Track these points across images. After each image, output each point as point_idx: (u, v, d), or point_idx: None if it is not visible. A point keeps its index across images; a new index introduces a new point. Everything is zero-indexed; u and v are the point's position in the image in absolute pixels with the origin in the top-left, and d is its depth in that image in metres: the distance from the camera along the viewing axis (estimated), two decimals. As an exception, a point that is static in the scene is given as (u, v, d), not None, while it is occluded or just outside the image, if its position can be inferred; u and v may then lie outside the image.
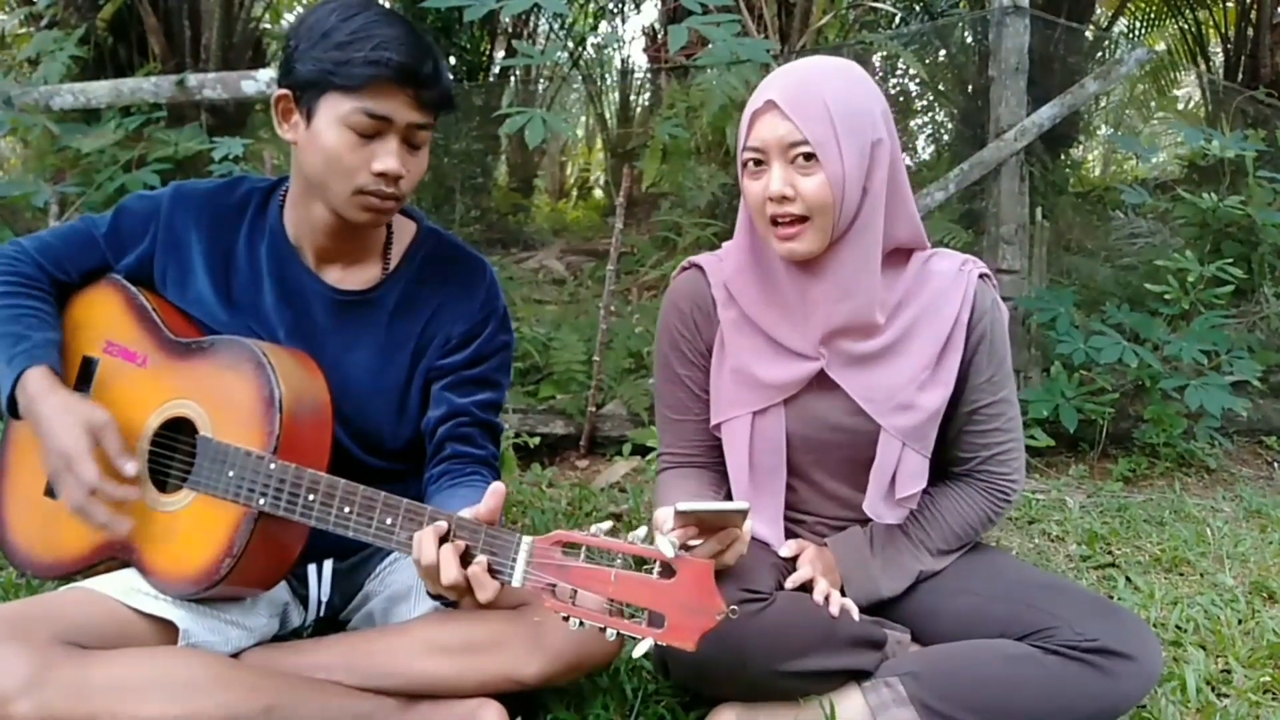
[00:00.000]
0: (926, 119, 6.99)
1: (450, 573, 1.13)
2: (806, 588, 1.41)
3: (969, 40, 5.89)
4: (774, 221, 1.33)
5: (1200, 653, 1.69)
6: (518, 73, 5.99)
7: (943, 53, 6.18)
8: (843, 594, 1.42)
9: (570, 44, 7.36)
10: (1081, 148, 7.83)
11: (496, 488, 1.18)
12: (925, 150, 6.77)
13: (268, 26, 5.49)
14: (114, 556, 1.35)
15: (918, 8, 7.39)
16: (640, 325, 3.49)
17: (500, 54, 7.05)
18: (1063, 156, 6.01)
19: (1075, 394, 2.93)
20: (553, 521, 2.29)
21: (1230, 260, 3.02)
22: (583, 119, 10.05)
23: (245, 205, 1.47)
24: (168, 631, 1.28)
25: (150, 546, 1.32)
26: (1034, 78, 3.29)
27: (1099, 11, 7.61)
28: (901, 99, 6.54)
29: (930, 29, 5.80)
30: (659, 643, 1.05)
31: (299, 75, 1.29)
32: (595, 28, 8.27)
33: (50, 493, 1.43)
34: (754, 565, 1.37)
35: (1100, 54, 6.26)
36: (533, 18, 6.95)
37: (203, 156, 3.00)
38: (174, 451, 1.36)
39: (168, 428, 1.36)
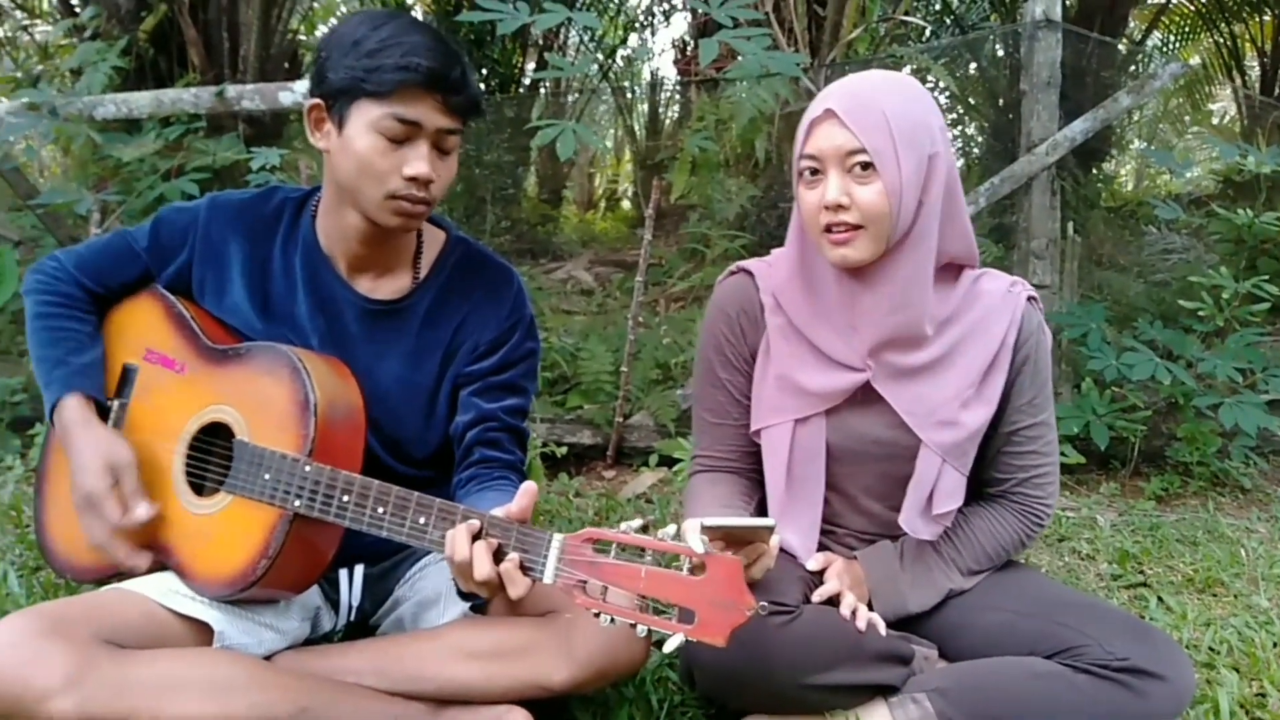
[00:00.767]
0: (956, 132, 6.96)
1: (483, 569, 1.14)
2: (834, 601, 1.40)
3: (1000, 54, 5.86)
4: (828, 229, 1.32)
5: (1234, 675, 1.67)
6: (548, 85, 6.04)
7: (973, 66, 6.16)
8: (870, 608, 1.42)
9: (600, 56, 7.41)
10: (1114, 162, 7.76)
11: (528, 487, 1.19)
12: (956, 163, 6.73)
13: (303, 38, 5.57)
14: (151, 559, 1.38)
15: (948, 21, 7.38)
16: (668, 336, 3.50)
17: (531, 66, 7.11)
18: (1095, 171, 5.96)
19: (1107, 411, 2.89)
20: (579, 530, 2.30)
21: (1266, 277, 2.98)
22: (611, 131, 10.11)
23: (279, 215, 1.50)
24: (203, 632, 1.30)
25: (187, 549, 1.34)
26: (1066, 92, 3.27)
27: (1132, 25, 7.55)
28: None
29: (961, 43, 5.79)
30: (689, 638, 1.05)
31: (331, 84, 1.32)
32: (625, 40, 8.33)
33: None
34: (781, 577, 1.37)
35: (1134, 68, 6.22)
36: (564, 31, 7.01)
37: (240, 166, 3.05)
38: (211, 456, 1.39)
39: (205, 432, 1.39)
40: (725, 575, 1.05)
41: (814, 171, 1.32)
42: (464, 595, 1.29)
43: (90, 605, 1.26)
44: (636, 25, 8.72)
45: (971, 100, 6.40)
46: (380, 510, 1.24)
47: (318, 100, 1.35)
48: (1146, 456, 3.03)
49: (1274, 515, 2.70)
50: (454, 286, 1.50)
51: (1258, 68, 7.61)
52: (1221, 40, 7.60)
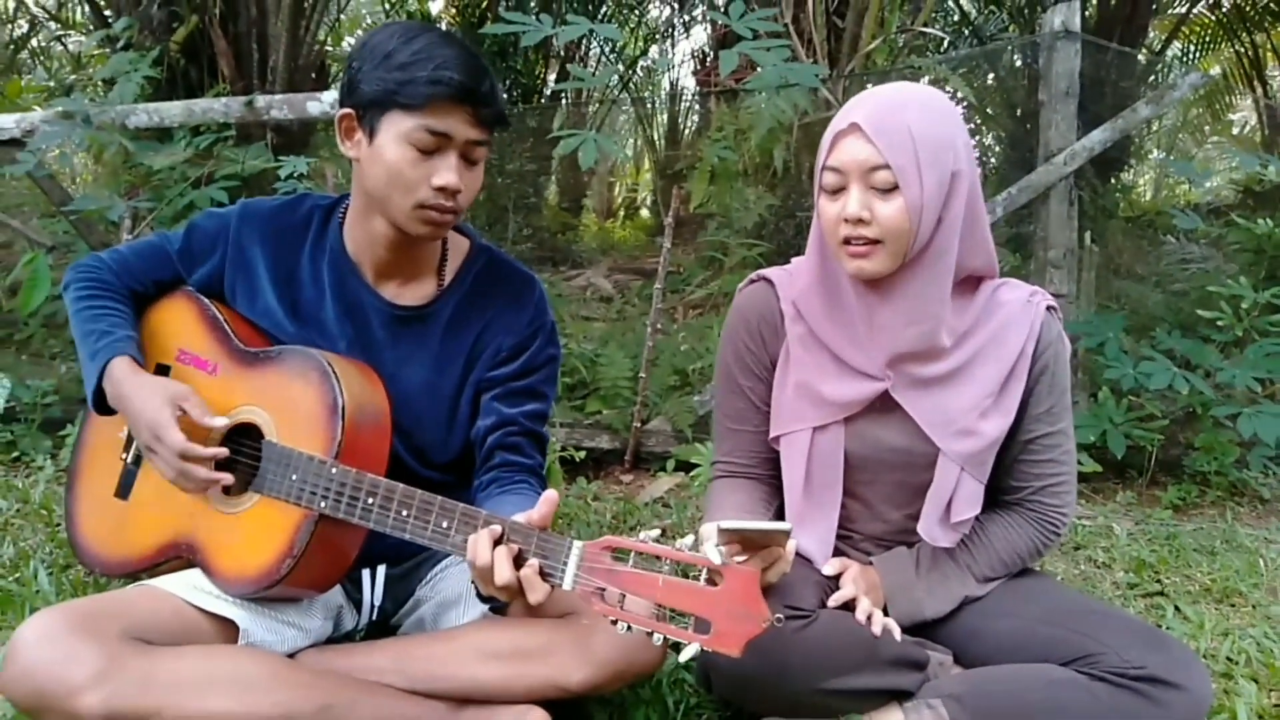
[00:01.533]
0: (974, 142, 6.94)
1: (504, 574, 1.16)
2: (849, 606, 1.41)
3: (1018, 64, 5.86)
4: (846, 241, 1.33)
5: (1252, 686, 1.67)
6: (569, 95, 6.09)
7: (991, 76, 6.15)
8: (886, 614, 1.43)
9: (621, 67, 7.46)
10: (1132, 172, 7.72)
11: (550, 495, 1.21)
12: (974, 173, 6.71)
13: (330, 49, 5.65)
14: (179, 556, 1.41)
15: (966, 32, 7.37)
16: (686, 343, 3.52)
17: (553, 77, 7.17)
18: (1113, 181, 5.93)
19: (1123, 420, 2.89)
20: (598, 535, 2.31)
21: (1286, 287, 2.97)
22: (631, 140, 10.15)
23: (308, 223, 1.53)
24: (228, 630, 1.33)
25: (214, 546, 1.37)
26: (1084, 102, 3.27)
27: (1152, 35, 7.52)
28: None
29: (979, 54, 5.79)
30: (705, 648, 1.07)
31: (363, 95, 1.35)
32: (646, 52, 8.38)
33: (120, 493, 1.50)
34: (797, 582, 1.38)
35: (1153, 78, 6.19)
36: (585, 42, 7.07)
37: (268, 174, 3.10)
38: (240, 455, 1.42)
39: (235, 433, 1.42)
40: (742, 586, 1.07)
41: (836, 184, 1.33)
42: (484, 598, 1.31)
43: (118, 602, 1.29)
44: (657, 37, 8.77)
45: (989, 110, 6.39)
46: (404, 513, 1.27)
47: (349, 110, 1.38)
48: (1164, 466, 3.02)
49: (1294, 526, 2.69)
50: (477, 293, 1.52)
51: (1279, 77, 7.55)
52: (1242, 50, 7.55)
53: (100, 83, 3.86)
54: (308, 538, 1.31)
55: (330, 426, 1.33)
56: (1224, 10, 7.44)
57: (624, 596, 1.11)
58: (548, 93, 6.81)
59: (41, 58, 7.25)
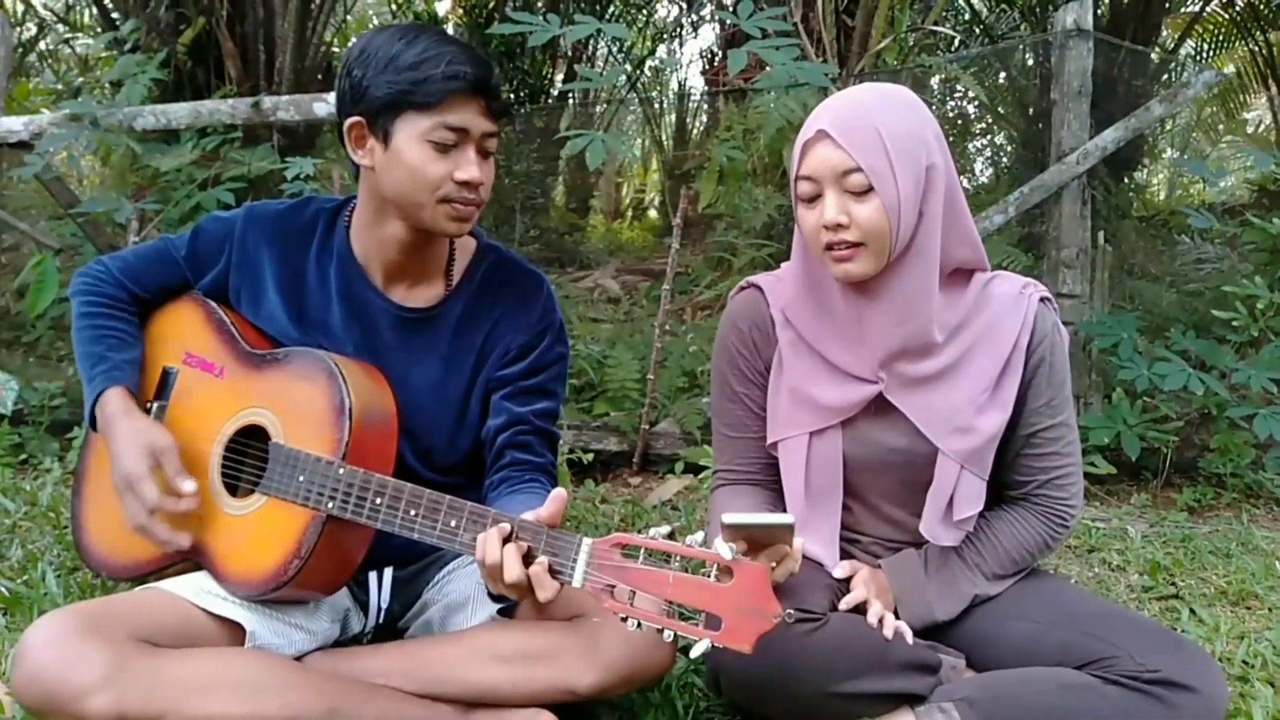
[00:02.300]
0: (985, 141, 6.93)
1: (514, 571, 1.16)
2: (860, 609, 1.40)
3: (1030, 63, 5.83)
4: (829, 247, 1.33)
5: (1269, 689, 1.64)
6: (576, 96, 6.10)
7: (1002, 75, 6.13)
8: (896, 616, 1.41)
9: (629, 67, 7.45)
10: (1146, 171, 7.68)
11: (559, 493, 1.21)
12: (984, 173, 6.70)
13: (337, 51, 5.66)
14: (185, 559, 1.40)
15: (978, 30, 7.34)
16: (694, 344, 3.51)
17: (560, 77, 7.17)
18: (1126, 180, 5.90)
19: (1138, 421, 2.86)
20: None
21: (1303, 287, 2.94)
22: (639, 141, 10.15)
23: (314, 226, 1.53)
24: (235, 632, 1.32)
25: (221, 549, 1.37)
26: (1097, 100, 3.25)
27: (1165, 33, 7.48)
28: (960, 122, 6.49)
29: (991, 52, 5.76)
30: (716, 644, 1.06)
31: (373, 100, 1.34)
32: (653, 52, 8.37)
33: (127, 496, 1.49)
34: (807, 585, 1.37)
35: (1166, 76, 6.15)
36: (592, 42, 7.06)
37: (274, 175, 3.10)
38: (247, 458, 1.42)
39: (242, 435, 1.42)
40: (752, 582, 1.06)
41: (811, 192, 1.33)
42: (494, 597, 1.31)
43: (126, 605, 1.29)
44: (665, 36, 8.76)
45: (1001, 109, 6.37)
46: (412, 513, 1.26)
47: (358, 118, 1.37)
48: (1178, 467, 2.99)
49: (1310, 529, 2.66)
50: (485, 293, 1.52)
51: (1294, 75, 7.50)
52: (1256, 48, 7.50)
53: (108, 85, 3.87)
54: (315, 539, 1.31)
55: (337, 427, 1.33)
56: (1237, 9, 7.39)
57: (634, 593, 1.10)
58: (555, 93, 6.81)
59: (49, 61, 7.29)
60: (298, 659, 1.37)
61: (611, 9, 7.30)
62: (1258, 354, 2.95)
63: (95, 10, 5.43)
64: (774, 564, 1.21)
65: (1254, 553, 2.41)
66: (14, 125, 3.12)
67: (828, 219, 1.30)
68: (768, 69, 2.58)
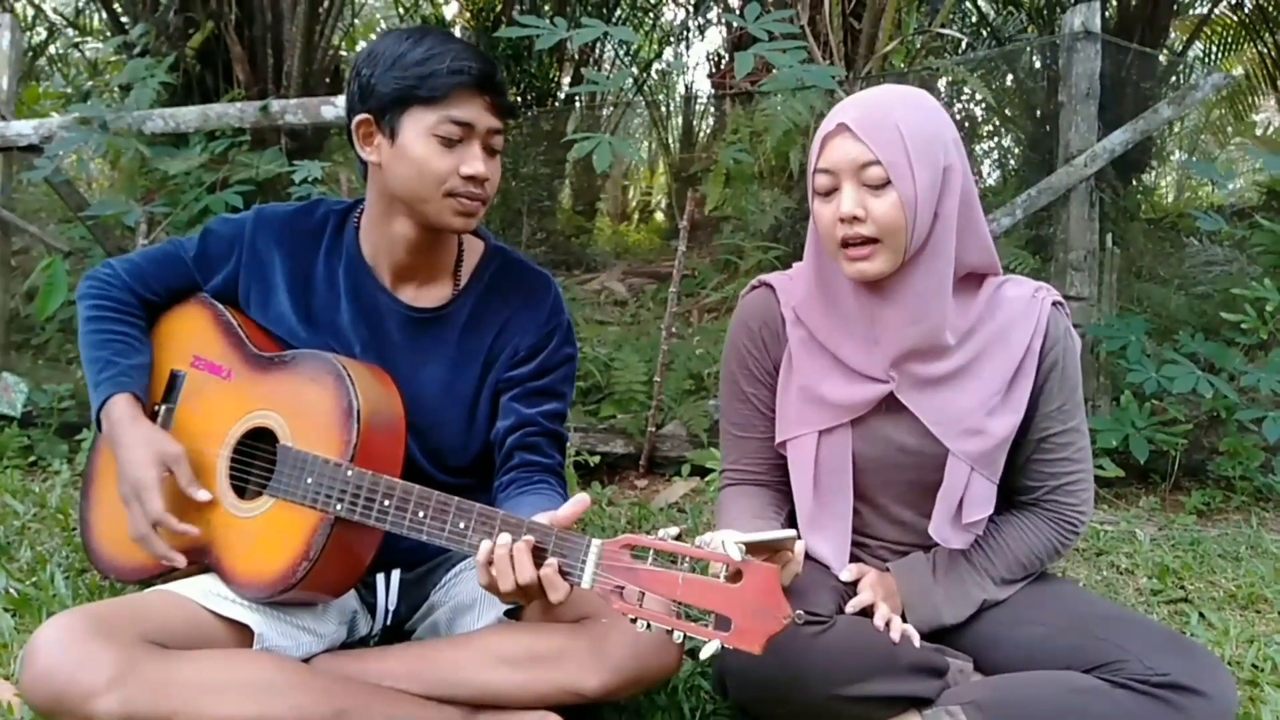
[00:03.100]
0: (992, 144, 6.92)
1: (526, 571, 1.16)
2: (867, 612, 1.40)
3: (1037, 65, 5.82)
4: (844, 243, 1.32)
5: (1279, 693, 1.64)
6: (583, 99, 6.11)
7: (1010, 78, 6.11)
8: (904, 620, 1.41)
9: (635, 70, 7.46)
10: (1154, 173, 7.66)
11: (582, 498, 1.22)
12: (991, 175, 6.69)
13: (344, 54, 5.68)
14: (194, 561, 1.40)
15: (985, 33, 7.33)
16: (701, 347, 3.50)
17: (567, 80, 7.18)
18: (1134, 182, 5.88)
19: (1146, 424, 2.85)
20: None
21: (1312, 290, 2.93)
22: (646, 144, 10.16)
23: (323, 227, 1.54)
24: (243, 634, 1.33)
25: (229, 551, 1.37)
26: (1105, 103, 3.24)
27: (1174, 35, 7.46)
28: (967, 124, 6.49)
29: (998, 54, 5.75)
30: (726, 645, 1.06)
31: (381, 97, 1.37)
32: (660, 55, 8.38)
33: (136, 498, 1.50)
34: (814, 588, 1.37)
35: (1174, 78, 6.13)
36: (599, 45, 7.07)
37: (282, 178, 3.11)
38: (255, 460, 1.42)
39: (250, 437, 1.42)
40: (762, 583, 1.06)
41: (829, 186, 1.33)
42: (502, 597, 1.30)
43: (134, 606, 1.29)
44: (671, 39, 8.77)
45: (1008, 112, 6.36)
46: (421, 514, 1.26)
47: (366, 115, 1.39)
48: (1187, 470, 2.98)
49: (1321, 532, 2.65)
50: (493, 294, 1.53)
51: (1303, 78, 7.47)
52: (1265, 50, 7.47)
53: (117, 89, 3.89)
54: (324, 541, 1.31)
55: (345, 429, 1.33)
56: (1246, 11, 7.37)
57: (643, 594, 1.10)
58: (562, 96, 6.82)
59: (59, 65, 7.32)
60: (305, 661, 1.37)
61: (619, 12, 7.31)
62: (1267, 356, 2.93)
63: (105, 15, 5.46)
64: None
65: (1263, 556, 2.39)
66: (24, 129, 3.14)
67: (844, 211, 1.30)
68: (774, 71, 2.59)
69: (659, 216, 9.67)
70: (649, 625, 1.08)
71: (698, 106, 8.52)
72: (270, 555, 1.34)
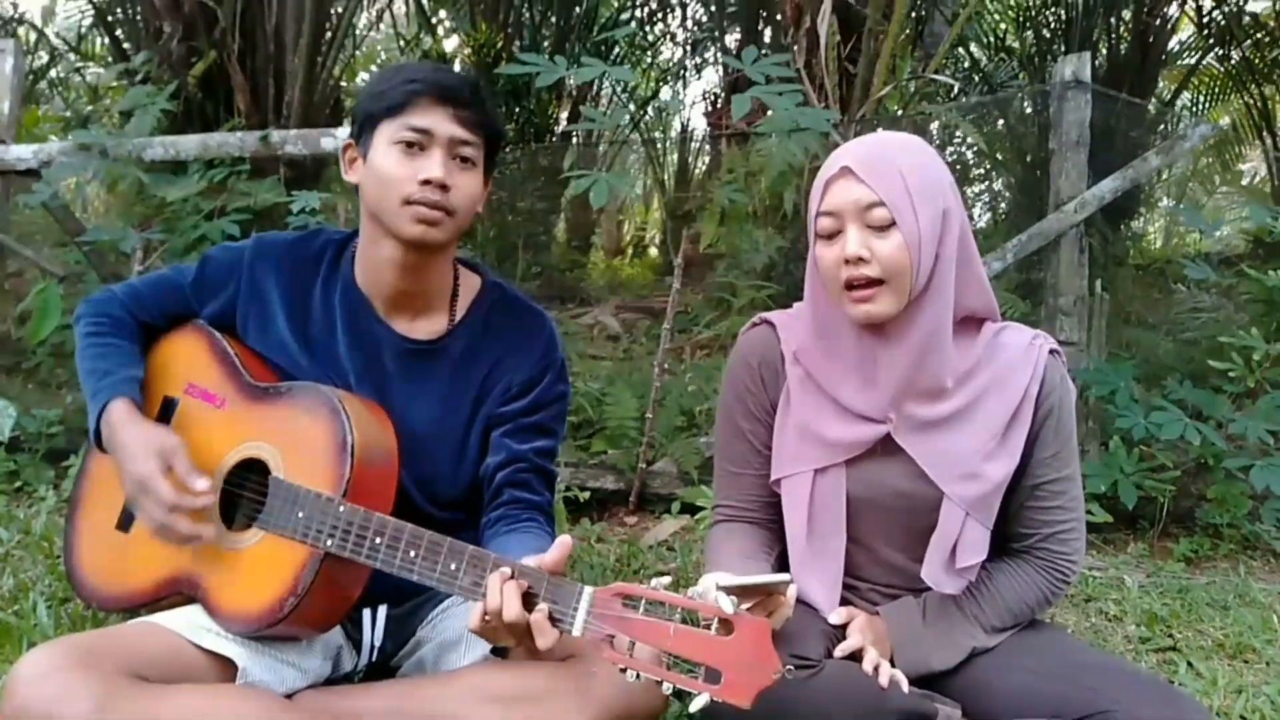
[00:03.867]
0: (983, 187, 7.00)
1: (513, 609, 1.15)
2: (856, 656, 1.39)
3: (1029, 110, 5.91)
4: (849, 285, 1.34)
5: (1266, 745, 1.64)
6: (580, 135, 6.17)
7: (1001, 122, 6.20)
8: (892, 664, 1.41)
9: (633, 107, 7.54)
10: (1143, 219, 7.75)
11: (564, 541, 1.21)
12: (982, 218, 6.76)
13: (344, 84, 5.73)
14: (179, 592, 1.40)
15: (977, 78, 7.45)
16: (693, 384, 3.51)
17: (565, 114, 7.25)
18: (1123, 228, 5.95)
19: (1134, 470, 2.86)
20: (601, 578, 2.30)
21: (1298, 338, 2.96)
22: (641, 179, 10.25)
23: (321, 256, 1.55)
24: (227, 668, 1.31)
25: (216, 582, 1.36)
26: (1095, 150, 3.30)
27: (1162, 85, 7.59)
28: (959, 167, 6.57)
29: (990, 101, 5.84)
30: (715, 698, 1.05)
31: (357, 121, 1.45)
32: (657, 93, 8.48)
33: (122, 526, 1.48)
34: (804, 631, 1.36)
35: (1163, 127, 6.23)
36: (597, 82, 7.15)
37: (280, 207, 3.12)
38: (245, 491, 1.41)
39: (242, 468, 1.41)
40: (752, 636, 1.06)
41: (832, 228, 1.35)
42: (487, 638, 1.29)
43: (117, 638, 1.28)
44: (668, 78, 8.88)
45: (999, 156, 6.44)
46: (412, 554, 1.25)
47: (349, 141, 1.47)
48: (1175, 517, 2.99)
49: (1308, 582, 2.65)
50: (489, 329, 1.53)
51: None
52: (1251, 101, 7.61)
53: (118, 114, 3.91)
54: (312, 576, 1.30)
55: (339, 464, 1.33)
56: (1233, 63, 7.52)
57: (634, 644, 1.10)
58: (560, 130, 6.89)
59: (59, 88, 7.37)
60: (289, 696, 1.35)
61: (617, 50, 7.41)
62: (1254, 404, 2.96)
63: (107, 40, 5.50)
64: (768, 614, 1.21)
65: (1251, 605, 2.40)
66: (23, 153, 3.16)
67: (850, 252, 1.31)
68: (770, 113, 2.62)
69: (653, 251, 9.72)
70: (639, 675, 1.08)
71: (693, 144, 8.62)
72: (257, 589, 1.33)
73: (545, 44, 7.07)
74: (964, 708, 1.42)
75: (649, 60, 8.57)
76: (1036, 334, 1.44)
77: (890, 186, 1.30)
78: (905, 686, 1.36)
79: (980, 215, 6.82)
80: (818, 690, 1.28)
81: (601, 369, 3.96)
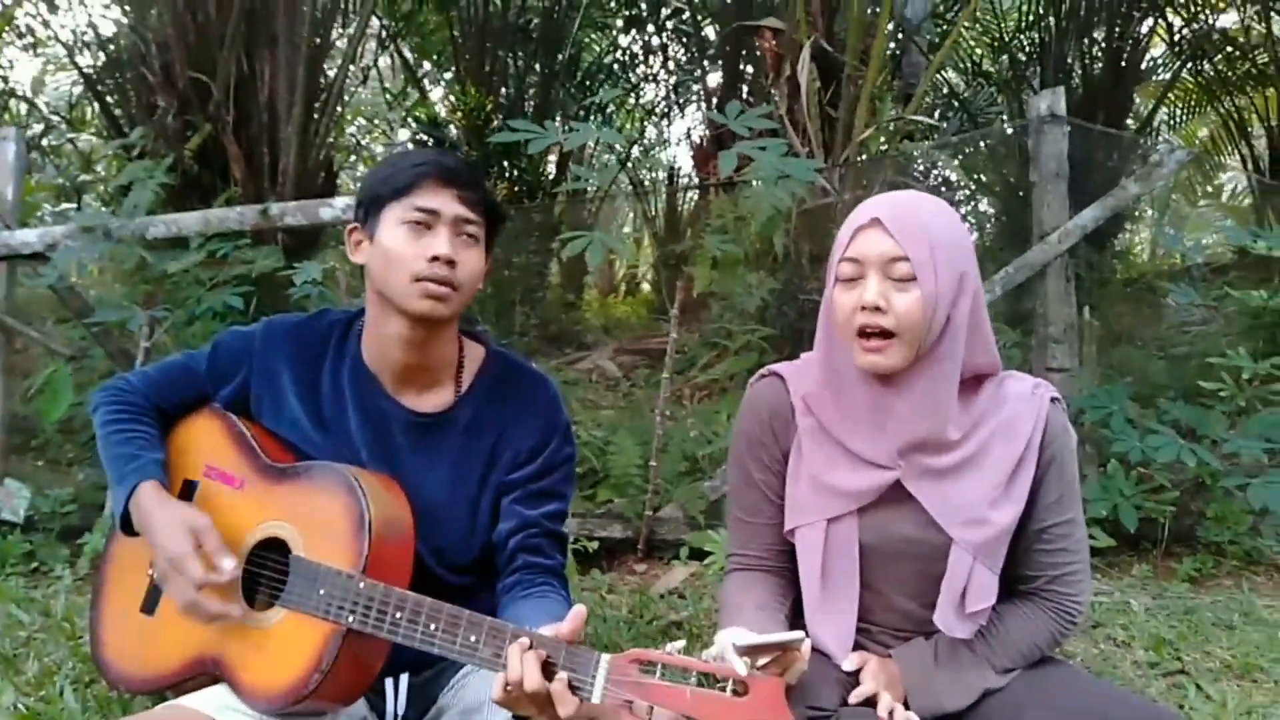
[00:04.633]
0: (968, 209, 7.07)
1: (533, 679, 1.18)
2: (870, 702, 1.42)
3: (1009, 130, 6.00)
4: (862, 333, 1.38)
5: (1278, 767, 1.66)
6: (568, 188, 6.27)
7: (983, 144, 6.30)
8: (906, 707, 1.43)
9: (620, 154, 7.63)
10: (1128, 234, 7.83)
11: (579, 611, 1.24)
12: (968, 241, 6.82)
13: (334, 140, 5.78)
14: (205, 672, 1.42)
15: (956, 103, 7.56)
16: (695, 429, 3.54)
17: (553, 159, 7.35)
18: (1109, 246, 6.02)
19: (1133, 492, 2.90)
20: (614, 630, 2.31)
21: (1286, 354, 3.00)
22: (630, 215, 10.34)
23: (328, 336, 1.59)
24: (255, 747, 1.34)
25: (241, 661, 1.39)
26: (1076, 178, 3.36)
27: (1138, 100, 7.71)
28: (944, 188, 6.65)
29: (970, 137, 5.94)
30: None
31: (362, 204, 1.50)
32: (643, 132, 8.59)
33: (146, 609, 1.52)
34: (818, 682, 1.39)
35: (1139, 148, 6.33)
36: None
37: (280, 274, 3.16)
38: (267, 570, 1.45)
39: (262, 547, 1.45)
40: (767, 695, 1.09)
41: (853, 274, 1.39)
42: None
43: (147, 725, 1.30)
44: (654, 115, 8.98)
45: (982, 178, 6.53)
46: (432, 627, 1.28)
47: (354, 224, 1.52)
48: (1177, 536, 3.01)
49: (1311, 596, 2.68)
50: (494, 398, 1.57)
51: (1265, 137, 7.72)
52: (1227, 111, 7.73)
53: (115, 188, 3.97)
54: (336, 651, 1.32)
55: (357, 541, 1.36)
56: (1207, 76, 7.64)
57: (652, 709, 1.13)
58: (550, 181, 6.98)
59: (51, 156, 7.45)
60: (318, 770, 1.38)
61: (602, 95, 7.50)
62: (1247, 420, 3.00)
63: (97, 107, 5.59)
64: (782, 670, 1.24)
65: (1257, 624, 2.42)
66: (29, 237, 3.20)
67: (868, 299, 1.35)
68: (755, 163, 2.68)
69: (645, 287, 9.79)
70: None
71: (680, 179, 8.72)
72: (282, 666, 1.35)
73: (530, 90, 7.16)
74: (978, 749, 1.45)
75: (633, 100, 8.67)
76: (1038, 383, 1.48)
77: (917, 244, 1.34)
78: (919, 730, 1.38)
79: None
80: (834, 740, 1.31)
81: (603, 415, 4.00)
